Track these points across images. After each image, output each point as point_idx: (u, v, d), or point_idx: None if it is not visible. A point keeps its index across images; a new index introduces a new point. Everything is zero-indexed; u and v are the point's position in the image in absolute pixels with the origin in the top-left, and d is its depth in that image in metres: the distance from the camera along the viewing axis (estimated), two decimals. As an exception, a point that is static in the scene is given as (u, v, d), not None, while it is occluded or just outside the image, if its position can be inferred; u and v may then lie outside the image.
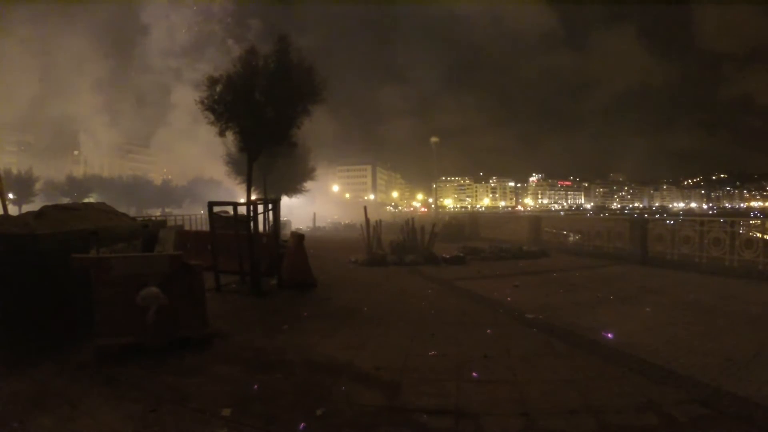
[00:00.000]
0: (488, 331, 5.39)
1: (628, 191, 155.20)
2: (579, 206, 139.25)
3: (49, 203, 7.01)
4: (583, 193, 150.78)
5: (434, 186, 56.59)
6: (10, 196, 38.35)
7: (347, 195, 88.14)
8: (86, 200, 42.46)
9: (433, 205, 61.61)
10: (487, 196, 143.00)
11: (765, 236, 10.08)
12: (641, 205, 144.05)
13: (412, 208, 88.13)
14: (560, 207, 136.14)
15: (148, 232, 6.52)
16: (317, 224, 34.42)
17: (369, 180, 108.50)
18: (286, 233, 14.15)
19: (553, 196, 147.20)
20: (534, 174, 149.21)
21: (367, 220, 12.78)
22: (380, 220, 14.17)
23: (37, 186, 48.51)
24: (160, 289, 4.39)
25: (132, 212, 31.89)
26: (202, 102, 9.21)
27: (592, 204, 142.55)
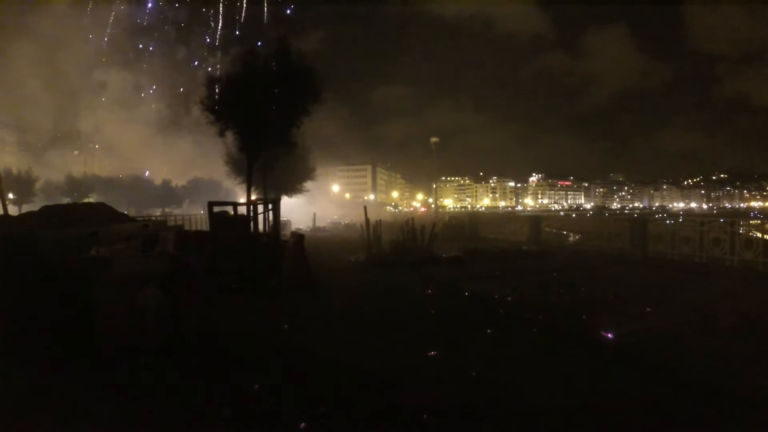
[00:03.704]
0: (488, 331, 5.39)
1: (628, 191, 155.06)
2: (579, 206, 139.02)
3: (49, 203, 7.02)
4: (583, 193, 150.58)
5: (434, 186, 56.55)
6: (10, 196, 38.27)
7: (347, 195, 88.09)
8: (86, 200, 42.43)
9: (433, 205, 61.57)
10: (487, 196, 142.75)
11: (765, 236, 10.08)
12: (641, 205, 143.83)
13: (412, 208, 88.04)
14: (560, 207, 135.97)
15: (148, 232, 6.53)
16: (317, 224, 34.35)
17: (369, 180, 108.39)
18: (286, 233, 14.14)
19: (553, 196, 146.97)
20: (534, 174, 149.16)
21: (367, 220, 12.77)
22: (380, 220, 14.13)
23: (37, 186, 48.47)
24: (160, 289, 4.39)
25: (132, 212, 31.90)
26: (201, 102, 9.23)
27: (592, 204, 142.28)
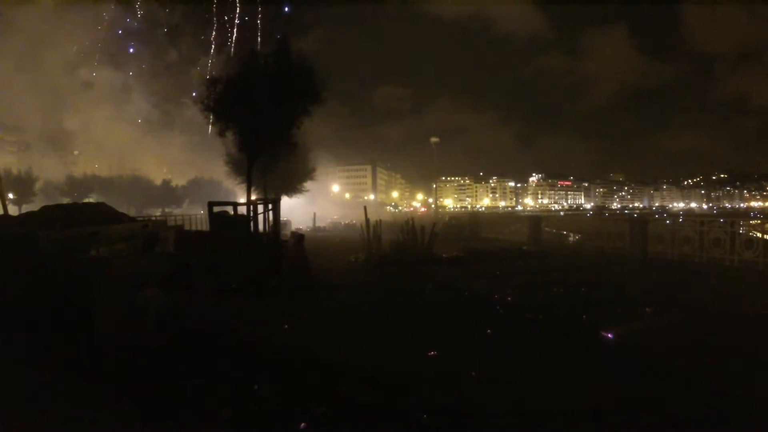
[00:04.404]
0: (488, 330, 5.39)
1: (628, 191, 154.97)
2: (579, 206, 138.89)
3: (49, 203, 7.03)
4: (583, 193, 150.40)
5: (434, 186, 56.62)
6: (10, 196, 38.24)
7: (347, 195, 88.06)
8: (86, 200, 42.41)
9: (433, 205, 61.57)
10: (487, 196, 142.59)
11: (765, 236, 10.08)
12: (641, 205, 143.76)
13: (412, 208, 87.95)
14: (560, 207, 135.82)
15: (148, 232, 6.53)
16: (317, 224, 34.33)
17: (369, 180, 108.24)
18: (286, 233, 14.15)
19: (553, 196, 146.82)
20: (534, 174, 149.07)
21: (367, 220, 12.77)
22: (380, 220, 14.12)
23: (37, 186, 48.46)
24: (160, 289, 4.40)
25: (132, 212, 31.88)
26: (202, 102, 9.24)
27: (592, 204, 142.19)
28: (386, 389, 3.70)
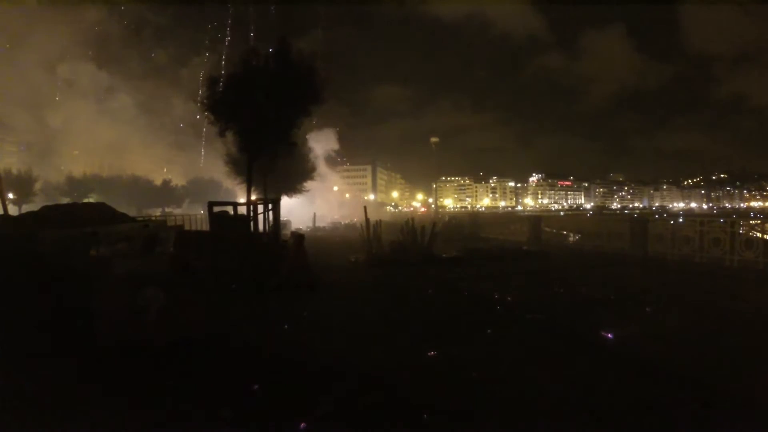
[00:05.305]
0: (488, 331, 5.39)
1: (628, 191, 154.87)
2: (579, 206, 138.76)
3: (49, 203, 7.03)
4: (583, 193, 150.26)
5: (434, 186, 56.73)
6: (10, 196, 38.20)
7: (347, 195, 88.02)
8: (86, 200, 42.37)
9: (433, 205, 61.58)
10: (487, 196, 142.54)
11: (765, 236, 10.09)
12: (641, 205, 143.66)
13: (412, 208, 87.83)
14: (560, 207, 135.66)
15: (148, 232, 6.53)
16: (317, 224, 34.32)
17: (369, 180, 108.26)
18: (286, 233, 14.15)
19: (553, 196, 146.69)
20: (534, 174, 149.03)
21: (367, 220, 12.77)
22: (380, 220, 14.12)
23: (37, 186, 48.38)
24: (161, 289, 4.40)
25: (132, 212, 31.88)
26: (202, 102, 9.24)
27: (592, 204, 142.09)
28: (386, 389, 3.70)
